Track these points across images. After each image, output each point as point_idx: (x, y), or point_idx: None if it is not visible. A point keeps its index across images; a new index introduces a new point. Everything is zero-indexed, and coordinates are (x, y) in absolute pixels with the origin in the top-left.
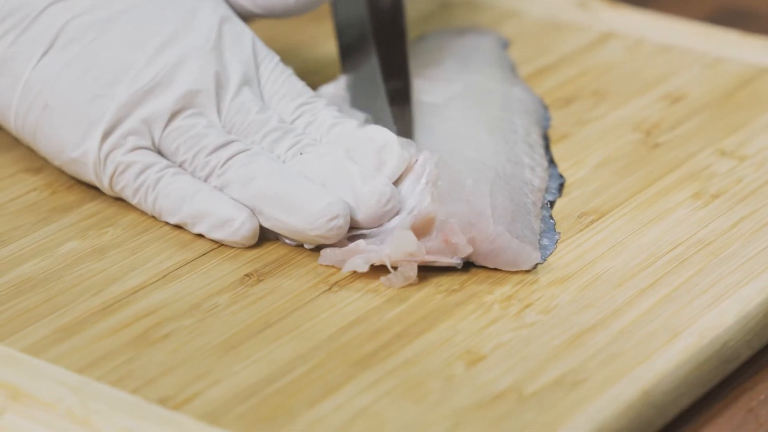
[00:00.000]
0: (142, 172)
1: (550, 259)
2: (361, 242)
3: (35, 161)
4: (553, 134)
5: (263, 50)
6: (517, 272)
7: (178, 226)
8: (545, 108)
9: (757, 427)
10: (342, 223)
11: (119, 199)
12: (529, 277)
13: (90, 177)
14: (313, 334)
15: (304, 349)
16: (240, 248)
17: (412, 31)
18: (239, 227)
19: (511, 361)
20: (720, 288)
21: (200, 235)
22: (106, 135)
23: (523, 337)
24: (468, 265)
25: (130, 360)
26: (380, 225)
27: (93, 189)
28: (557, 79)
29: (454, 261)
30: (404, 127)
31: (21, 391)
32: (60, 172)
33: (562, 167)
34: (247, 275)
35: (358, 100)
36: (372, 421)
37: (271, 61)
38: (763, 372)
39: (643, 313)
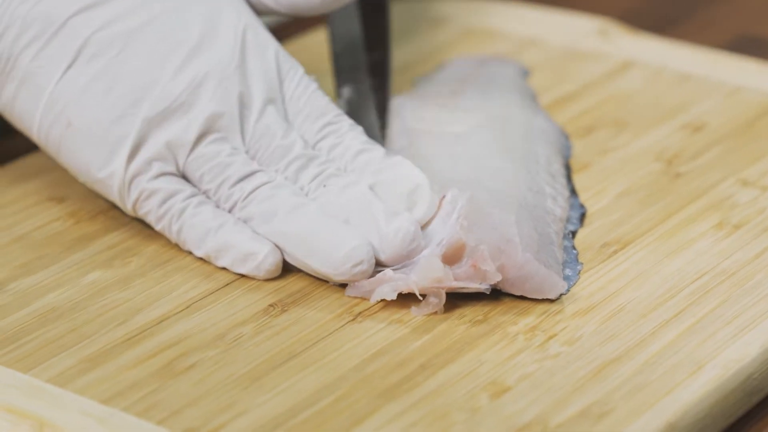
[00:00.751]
0: (166, 200)
1: (573, 290)
2: (388, 271)
3: (59, 190)
4: (574, 164)
5: (287, 63)
6: (540, 303)
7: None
8: (566, 137)
9: None
10: (366, 267)
11: (143, 229)
12: (553, 308)
13: (114, 198)
14: (338, 364)
15: (329, 380)
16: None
17: (432, 60)
18: (262, 261)
19: (536, 392)
20: (744, 319)
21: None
22: (130, 158)
23: (548, 369)
24: (492, 296)
25: (156, 391)
26: (405, 261)
27: (117, 219)
28: (578, 108)
29: (482, 287)
30: (381, 98)
31: (47, 422)
32: (84, 200)
33: (584, 197)
34: (271, 305)
35: (342, 77)
36: None
37: (295, 75)
38: None
39: (668, 345)
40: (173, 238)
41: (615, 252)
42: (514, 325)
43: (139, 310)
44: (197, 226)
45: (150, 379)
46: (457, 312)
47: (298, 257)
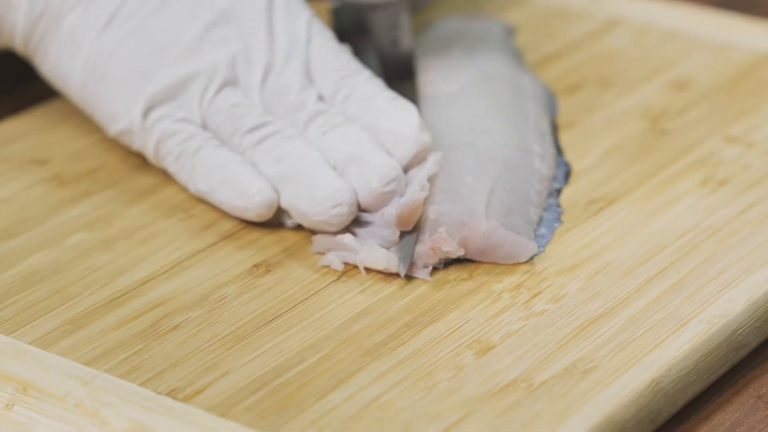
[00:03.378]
0: (186, 140)
1: (558, 248)
2: (346, 236)
3: (42, 152)
4: (560, 122)
5: (317, 27)
6: (525, 261)
7: (184, 217)
8: (552, 95)
9: (767, 414)
10: (345, 211)
11: (126, 192)
12: (538, 266)
13: (137, 144)
14: (323, 324)
15: (313, 340)
16: (250, 237)
17: (419, 19)
18: (254, 194)
19: (521, 350)
20: (729, 275)
21: (208, 226)
22: (155, 105)
23: (533, 326)
24: None
25: (140, 352)
26: (380, 208)
27: (99, 181)
28: (563, 67)
29: (422, 275)
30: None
31: (30, 383)
32: (66, 163)
33: (570, 155)
34: (255, 266)
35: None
36: (382, 411)
37: (324, 39)
38: None
39: (652, 302)
40: (184, 176)
41: (600, 209)
42: (498, 283)
43: (123, 271)
44: (209, 163)
45: (134, 341)
46: (442, 271)
47: (288, 196)
